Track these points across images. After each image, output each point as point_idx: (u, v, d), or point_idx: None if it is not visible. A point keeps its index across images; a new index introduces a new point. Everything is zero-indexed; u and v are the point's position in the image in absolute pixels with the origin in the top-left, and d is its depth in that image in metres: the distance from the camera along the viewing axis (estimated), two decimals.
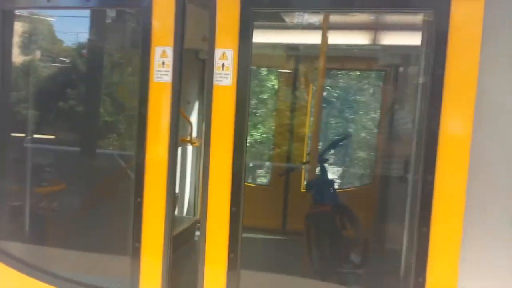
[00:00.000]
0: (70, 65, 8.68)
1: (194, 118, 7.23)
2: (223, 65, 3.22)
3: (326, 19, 4.70)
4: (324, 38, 4.64)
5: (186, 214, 7.24)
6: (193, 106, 7.26)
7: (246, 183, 9.17)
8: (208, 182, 3.34)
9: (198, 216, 7.24)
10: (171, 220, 3.53)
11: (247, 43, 3.20)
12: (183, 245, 6.18)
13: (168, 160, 3.45)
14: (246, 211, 7.43)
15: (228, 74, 3.22)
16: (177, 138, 3.53)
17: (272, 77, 14.31)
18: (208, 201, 3.36)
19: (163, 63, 3.38)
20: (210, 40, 3.25)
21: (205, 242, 3.40)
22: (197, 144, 7.13)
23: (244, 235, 3.36)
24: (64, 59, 8.53)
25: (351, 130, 12.21)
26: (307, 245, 4.96)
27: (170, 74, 3.39)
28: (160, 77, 3.41)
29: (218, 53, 3.24)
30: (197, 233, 6.84)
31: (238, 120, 3.24)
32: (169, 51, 3.38)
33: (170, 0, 3.38)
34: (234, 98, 3.23)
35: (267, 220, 7.07)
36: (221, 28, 3.24)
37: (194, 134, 7.02)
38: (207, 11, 5.74)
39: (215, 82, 3.26)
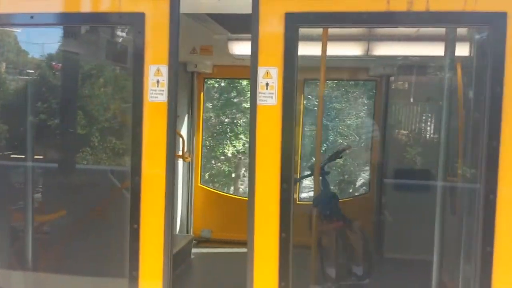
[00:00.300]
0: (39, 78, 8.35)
1: (183, 132, 7.06)
2: (267, 84, 3.06)
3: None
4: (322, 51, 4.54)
5: (179, 231, 7.03)
6: (182, 119, 7.09)
7: (236, 196, 8.98)
8: (254, 207, 3.14)
9: (192, 234, 7.06)
10: (171, 248, 3.31)
11: (292, 61, 3.05)
12: (180, 265, 5.97)
13: (166, 184, 3.24)
14: (239, 226, 7.24)
15: (272, 93, 3.06)
16: (174, 161, 3.33)
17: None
18: (254, 228, 3.16)
19: (158, 81, 3.21)
20: (252, 58, 3.09)
21: (253, 271, 3.19)
22: (188, 159, 6.97)
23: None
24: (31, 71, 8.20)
25: None
26: (320, 261, 4.85)
27: (165, 93, 3.21)
28: (155, 97, 3.22)
29: (261, 71, 3.07)
30: (194, 250, 6.67)
31: (286, 142, 3.06)
32: (164, 69, 3.21)
33: (164, 14, 3.21)
34: (280, 118, 3.06)
35: None
36: (264, 46, 3.08)
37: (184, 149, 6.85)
38: (196, 23, 5.66)
39: (259, 102, 3.08)
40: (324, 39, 4.42)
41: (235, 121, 14.62)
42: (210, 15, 5.23)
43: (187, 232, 7.08)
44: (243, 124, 14.84)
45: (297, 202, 7.04)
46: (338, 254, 4.86)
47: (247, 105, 14.42)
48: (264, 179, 3.11)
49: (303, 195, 9.10)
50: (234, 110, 15.08)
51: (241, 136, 14.39)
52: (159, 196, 3.25)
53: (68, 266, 4.31)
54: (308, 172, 6.04)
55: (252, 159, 3.12)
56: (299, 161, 7.15)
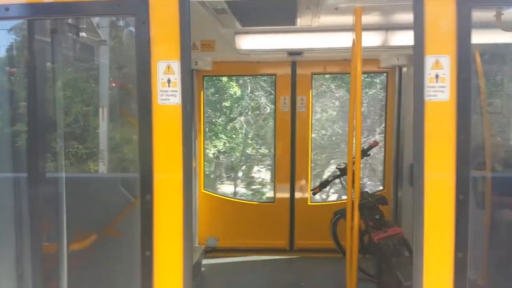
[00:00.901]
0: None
1: None
2: (437, 76, 2.64)
3: None
4: None
5: None
6: None
7: (242, 201, 8.39)
8: (423, 223, 2.69)
9: (197, 244, 6.56)
10: (191, 277, 2.89)
11: (467, 46, 2.65)
12: (193, 281, 5.46)
13: (184, 204, 2.80)
14: (246, 232, 6.73)
15: (444, 87, 2.64)
16: (191, 177, 2.89)
17: (233, 84, 13.80)
18: (423, 245, 2.71)
19: (169, 81, 2.78)
20: (416, 46, 2.69)
21: None
22: (194, 165, 6.48)
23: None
24: None
25: None
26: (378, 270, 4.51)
27: (178, 94, 2.77)
28: (167, 99, 2.79)
29: (429, 61, 2.65)
30: (204, 261, 6.16)
31: (461, 145, 2.65)
32: (175, 66, 2.78)
33: (172, 3, 2.80)
34: (455, 116, 2.65)
35: (274, 239, 6.57)
36: (431, 30, 2.66)
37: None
38: (206, 13, 5.14)
39: (426, 98, 2.67)
40: None
41: (213, 120, 14.09)
42: (229, 3, 4.75)
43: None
44: (222, 123, 14.35)
45: (309, 203, 6.72)
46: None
47: (227, 103, 13.94)
48: (435, 190, 2.69)
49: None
50: (209, 110, 14.54)
51: (221, 135, 13.89)
52: (175, 218, 2.81)
53: None
54: (338, 173, 5.63)
55: (419, 167, 2.69)
56: (309, 162, 6.81)
